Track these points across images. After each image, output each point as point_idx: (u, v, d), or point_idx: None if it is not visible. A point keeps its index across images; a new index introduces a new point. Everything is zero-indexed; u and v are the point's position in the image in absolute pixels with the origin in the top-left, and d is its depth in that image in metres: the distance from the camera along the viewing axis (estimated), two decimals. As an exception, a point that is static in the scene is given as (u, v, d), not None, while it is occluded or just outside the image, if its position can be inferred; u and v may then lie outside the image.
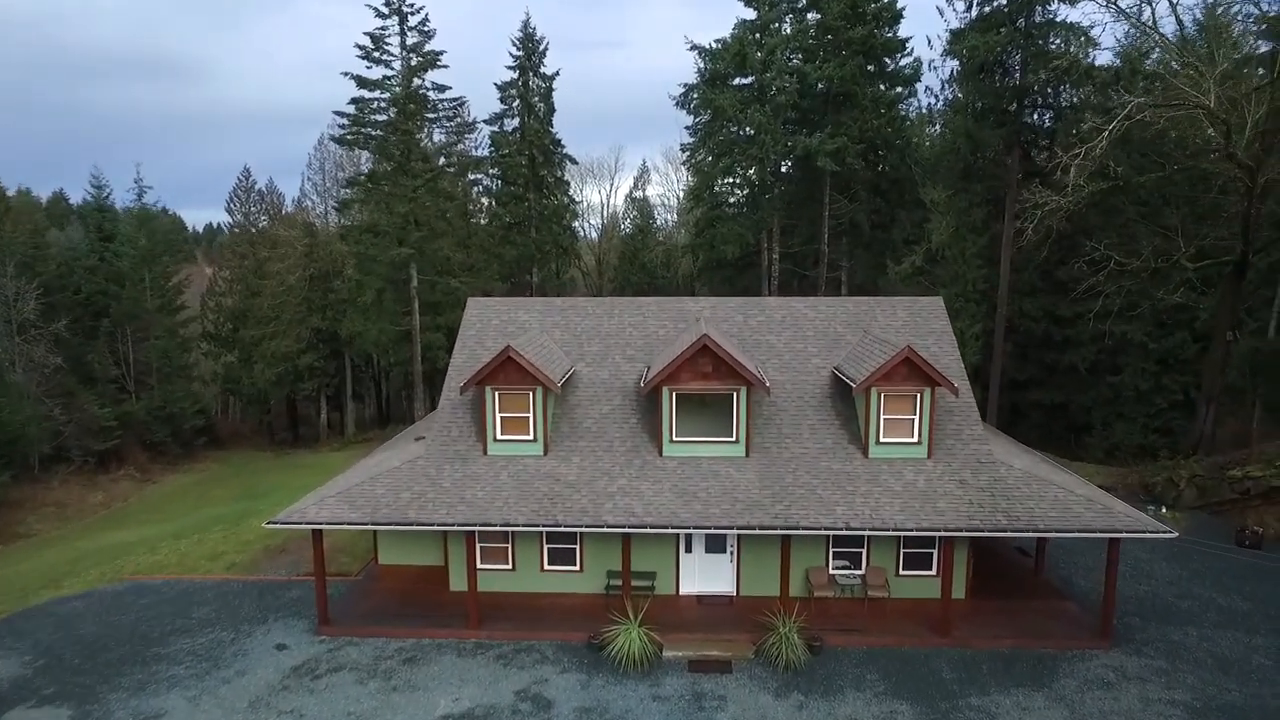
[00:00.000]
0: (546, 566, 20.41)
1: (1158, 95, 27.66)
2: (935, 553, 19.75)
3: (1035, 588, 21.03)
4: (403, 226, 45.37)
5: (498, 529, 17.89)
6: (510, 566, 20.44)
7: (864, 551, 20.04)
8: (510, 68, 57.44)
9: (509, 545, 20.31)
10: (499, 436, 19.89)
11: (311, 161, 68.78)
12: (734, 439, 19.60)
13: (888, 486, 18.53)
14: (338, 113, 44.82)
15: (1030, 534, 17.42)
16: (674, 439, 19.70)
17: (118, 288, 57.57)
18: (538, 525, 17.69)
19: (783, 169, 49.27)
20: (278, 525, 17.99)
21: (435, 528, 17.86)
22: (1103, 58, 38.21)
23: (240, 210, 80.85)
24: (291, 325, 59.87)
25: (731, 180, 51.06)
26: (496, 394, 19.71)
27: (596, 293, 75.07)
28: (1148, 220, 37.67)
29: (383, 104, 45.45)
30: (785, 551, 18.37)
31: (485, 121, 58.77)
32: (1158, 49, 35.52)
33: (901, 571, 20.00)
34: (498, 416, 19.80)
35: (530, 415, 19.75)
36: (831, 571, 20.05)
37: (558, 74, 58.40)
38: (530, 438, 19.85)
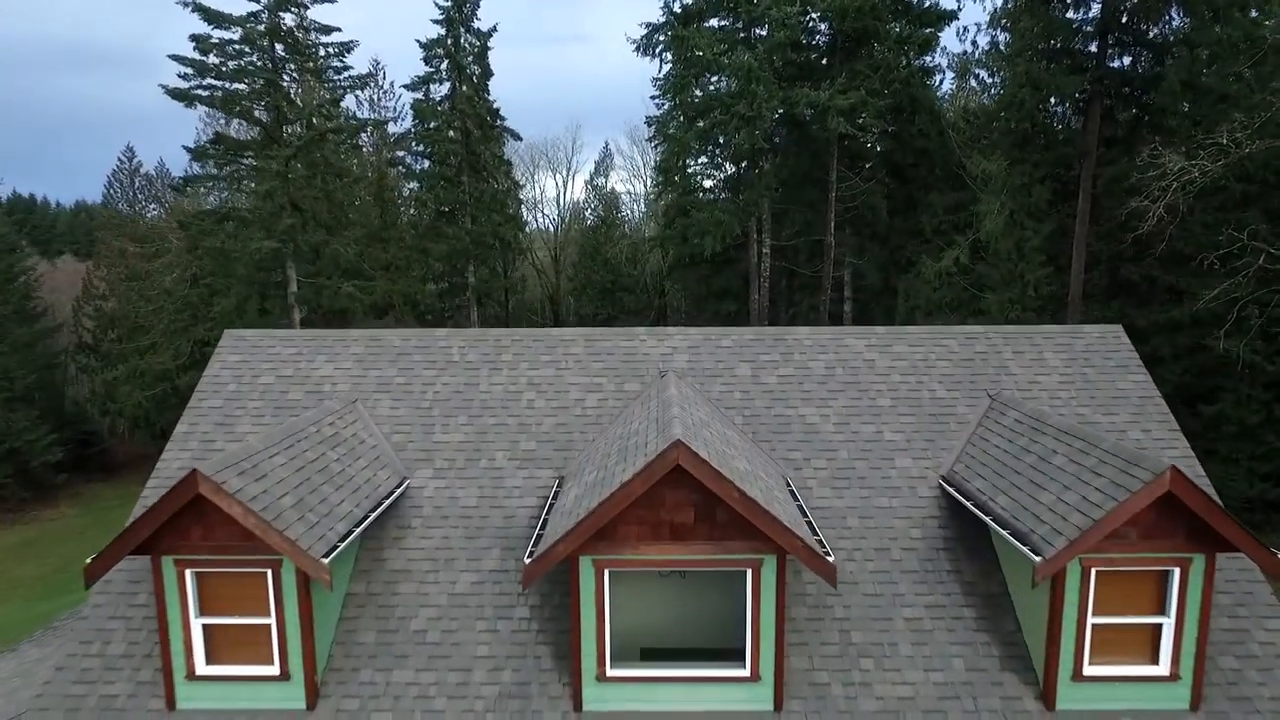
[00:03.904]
0: None
1: None
2: None
3: None
4: (271, 212, 33.65)
5: None
6: None
7: None
8: (437, 21, 46.80)
9: None
10: (202, 669, 8.60)
11: (200, 135, 56.65)
12: (745, 670, 8.49)
13: (1132, 814, 7.58)
14: (175, 58, 32.73)
15: None
16: (610, 670, 8.54)
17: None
18: None
19: (775, 139, 38.36)
20: None
21: None
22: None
23: (123, 198, 68.93)
24: (170, 337, 48.34)
25: (707, 158, 40.25)
26: (191, 576, 8.45)
27: (553, 293, 64.74)
28: (1257, 202, 27.97)
29: (237, 46, 33.41)
30: None
31: (406, 87, 47.78)
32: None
33: None
34: (196, 624, 8.54)
35: (271, 621, 8.50)
36: None
37: (495, 29, 47.95)
38: (273, 670, 8.57)
